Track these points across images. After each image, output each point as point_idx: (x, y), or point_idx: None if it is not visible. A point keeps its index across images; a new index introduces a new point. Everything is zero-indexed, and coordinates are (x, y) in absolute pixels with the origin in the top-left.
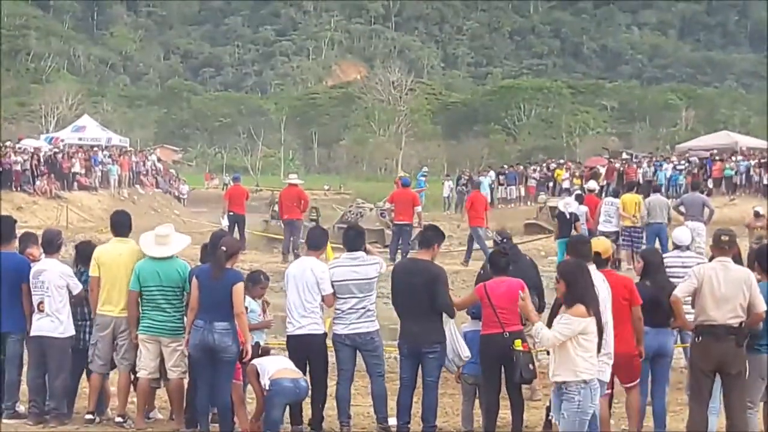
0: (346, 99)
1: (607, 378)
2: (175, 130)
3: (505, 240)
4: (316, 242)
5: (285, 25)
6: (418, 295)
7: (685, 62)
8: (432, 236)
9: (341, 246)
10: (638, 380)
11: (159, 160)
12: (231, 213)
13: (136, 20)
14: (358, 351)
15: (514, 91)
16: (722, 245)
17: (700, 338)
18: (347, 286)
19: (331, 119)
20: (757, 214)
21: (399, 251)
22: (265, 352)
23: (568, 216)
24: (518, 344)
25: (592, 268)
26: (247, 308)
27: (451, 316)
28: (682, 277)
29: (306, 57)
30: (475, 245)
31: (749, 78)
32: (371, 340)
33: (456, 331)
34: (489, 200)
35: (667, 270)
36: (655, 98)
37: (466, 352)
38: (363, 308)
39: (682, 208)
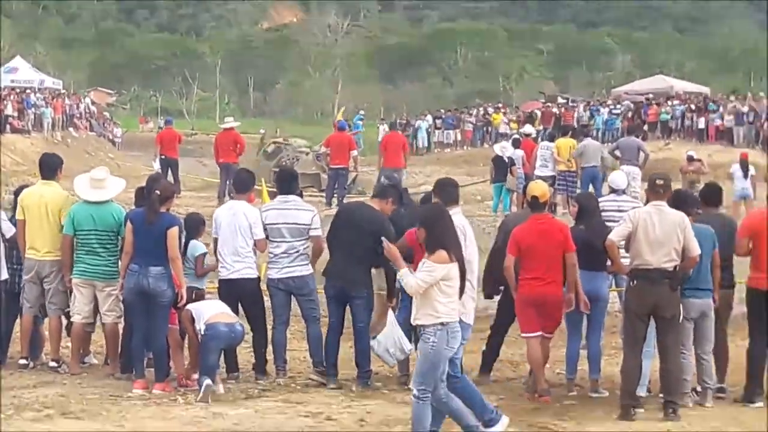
0: (282, 42)
1: (471, 320)
2: (109, 73)
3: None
4: (244, 185)
5: None
6: (358, 240)
7: (621, 6)
8: (389, 190)
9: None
10: (551, 332)
11: (93, 102)
12: (163, 157)
13: None
14: (292, 295)
15: (450, 35)
16: (657, 189)
17: (635, 282)
18: (279, 229)
19: (267, 62)
20: (690, 159)
21: (335, 196)
22: (200, 296)
23: (505, 159)
24: None
25: (453, 210)
26: (205, 254)
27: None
28: (618, 220)
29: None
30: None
31: (685, 22)
32: (305, 284)
33: (396, 323)
34: (426, 144)
35: (603, 214)
36: (591, 42)
37: (408, 345)
38: (296, 252)
39: (617, 152)
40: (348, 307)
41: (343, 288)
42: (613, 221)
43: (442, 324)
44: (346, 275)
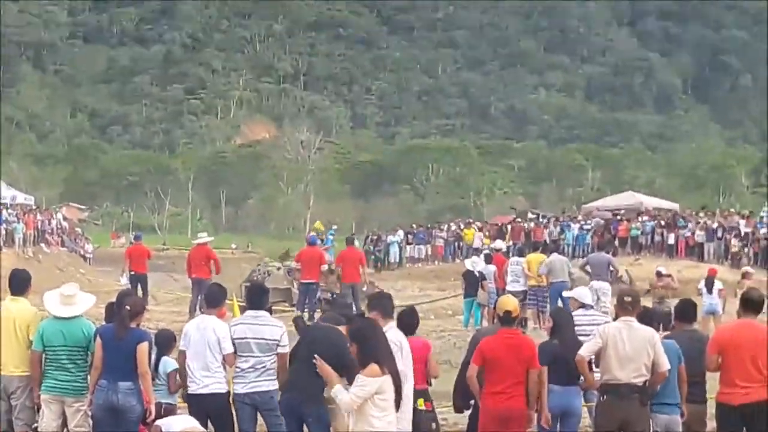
0: (255, 158)
1: (408, 429)
2: (82, 189)
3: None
4: (214, 299)
5: (193, 83)
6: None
7: (592, 123)
8: (347, 318)
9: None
10: None
11: (65, 218)
12: (132, 273)
13: (42, 78)
14: (258, 410)
15: (422, 151)
16: (626, 305)
17: (605, 397)
18: (248, 344)
19: (240, 178)
20: (659, 274)
21: (306, 310)
22: (170, 411)
23: (476, 274)
24: (420, 403)
25: (388, 324)
26: (176, 370)
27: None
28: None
29: (215, 116)
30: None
31: (654, 139)
32: (270, 399)
33: None
34: (398, 259)
35: (576, 328)
36: (562, 159)
37: None
38: (263, 367)
39: (588, 268)
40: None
41: (297, 402)
42: (587, 335)
43: None
44: (301, 389)
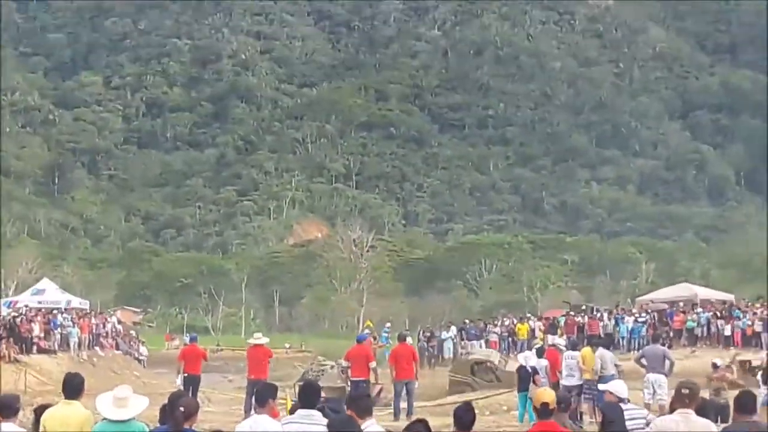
0: (308, 257)
1: None
2: (136, 292)
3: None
4: (265, 397)
5: (246, 185)
6: None
7: (645, 216)
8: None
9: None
10: None
11: (119, 321)
12: (186, 374)
13: (97, 183)
14: None
15: (475, 247)
16: (683, 397)
17: None
18: None
19: (293, 278)
20: (714, 366)
21: None
22: None
23: (528, 369)
24: None
25: (367, 421)
26: None
27: None
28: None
29: (267, 217)
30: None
31: (708, 231)
32: None
33: None
34: (451, 355)
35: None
36: (615, 252)
37: None
38: None
39: (643, 361)
40: None
41: None
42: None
43: None
44: None
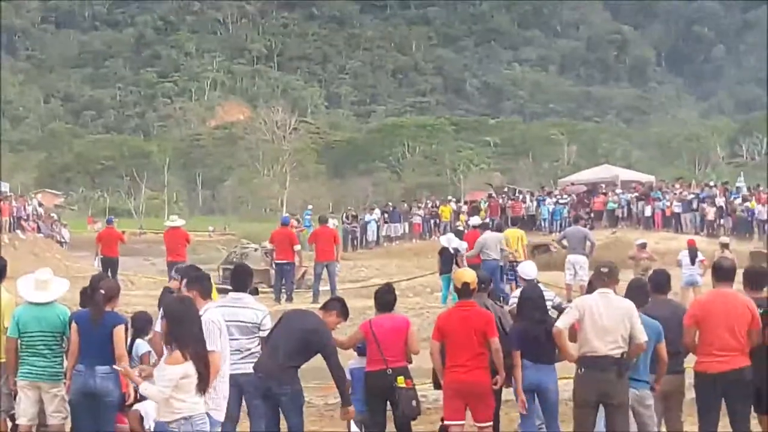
0: (230, 140)
1: (221, 417)
2: (57, 174)
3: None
4: (187, 276)
5: (167, 66)
6: (293, 344)
7: (566, 97)
8: (332, 302)
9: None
10: (491, 421)
11: (40, 204)
12: (103, 257)
13: (14, 64)
14: (242, 393)
15: (397, 129)
16: (603, 277)
17: (583, 369)
18: (228, 327)
19: (215, 160)
20: (642, 246)
21: (283, 291)
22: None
23: (451, 251)
24: (401, 381)
25: (208, 304)
26: (149, 353)
27: (342, 379)
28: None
29: (189, 99)
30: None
31: (629, 112)
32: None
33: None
34: (375, 237)
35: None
36: (537, 134)
37: None
38: (248, 350)
39: (564, 242)
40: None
41: (267, 385)
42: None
43: (185, 419)
44: (271, 372)
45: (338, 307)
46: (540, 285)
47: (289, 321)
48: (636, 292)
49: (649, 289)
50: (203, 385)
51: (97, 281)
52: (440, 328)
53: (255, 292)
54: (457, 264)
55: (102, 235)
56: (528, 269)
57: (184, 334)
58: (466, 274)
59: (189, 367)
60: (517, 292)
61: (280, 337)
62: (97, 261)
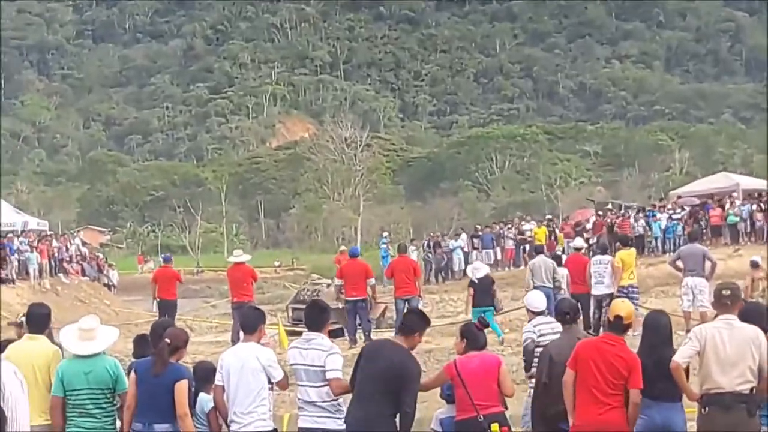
0: (294, 161)
1: None
2: (100, 209)
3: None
4: (251, 323)
5: (219, 81)
6: (380, 385)
7: (675, 97)
8: (414, 322)
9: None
10: None
11: (84, 243)
12: (159, 300)
13: (49, 85)
14: None
15: (483, 141)
16: (724, 301)
17: (707, 409)
18: (297, 371)
19: (278, 185)
20: (754, 264)
21: (359, 330)
22: None
23: (476, 281)
24: (495, 429)
25: None
26: (215, 410)
27: (408, 426)
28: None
29: (245, 116)
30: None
31: (748, 111)
32: None
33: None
34: (462, 267)
35: (543, 337)
36: (643, 140)
37: None
38: (321, 400)
39: (679, 263)
40: None
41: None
42: (540, 346)
43: None
44: (361, 418)
45: (418, 323)
46: (547, 317)
47: (372, 357)
48: (753, 319)
49: None
50: None
51: (160, 328)
52: (577, 358)
53: (340, 333)
54: (492, 296)
55: (158, 275)
56: (535, 300)
57: None
58: (621, 307)
59: None
60: (529, 326)
61: (367, 382)
62: (154, 305)
